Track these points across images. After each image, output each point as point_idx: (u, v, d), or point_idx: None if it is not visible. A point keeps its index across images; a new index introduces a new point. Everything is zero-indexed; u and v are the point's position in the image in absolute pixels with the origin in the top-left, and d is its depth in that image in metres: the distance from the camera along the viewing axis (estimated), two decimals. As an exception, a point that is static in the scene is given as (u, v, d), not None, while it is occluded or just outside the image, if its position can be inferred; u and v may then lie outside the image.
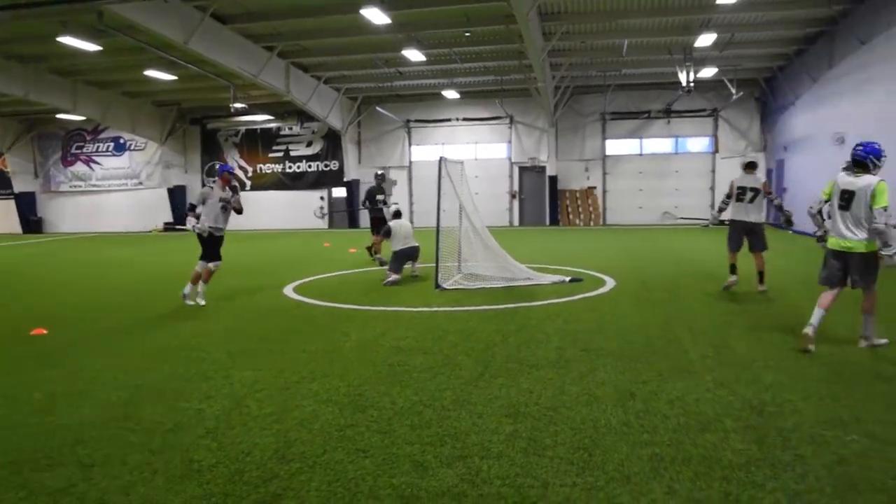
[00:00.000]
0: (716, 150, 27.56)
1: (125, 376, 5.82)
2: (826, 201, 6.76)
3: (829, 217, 6.81)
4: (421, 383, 5.44)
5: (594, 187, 28.75)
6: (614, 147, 28.63)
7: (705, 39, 19.38)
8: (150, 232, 31.63)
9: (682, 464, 3.78)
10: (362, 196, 15.80)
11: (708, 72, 23.04)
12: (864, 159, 6.52)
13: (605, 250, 16.75)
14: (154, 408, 4.94)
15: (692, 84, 22.01)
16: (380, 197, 15.18)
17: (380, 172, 16.26)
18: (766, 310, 8.42)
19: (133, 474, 3.79)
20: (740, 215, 9.73)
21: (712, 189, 27.24)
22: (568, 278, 11.25)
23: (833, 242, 6.57)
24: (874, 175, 6.39)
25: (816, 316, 6.40)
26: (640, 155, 28.44)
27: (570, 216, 28.70)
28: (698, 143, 28.06)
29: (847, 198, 6.42)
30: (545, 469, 3.75)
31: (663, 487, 3.49)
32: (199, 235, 9.69)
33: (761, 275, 9.85)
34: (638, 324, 7.65)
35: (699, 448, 3.99)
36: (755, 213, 9.71)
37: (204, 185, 31.40)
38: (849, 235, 6.39)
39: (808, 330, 6.28)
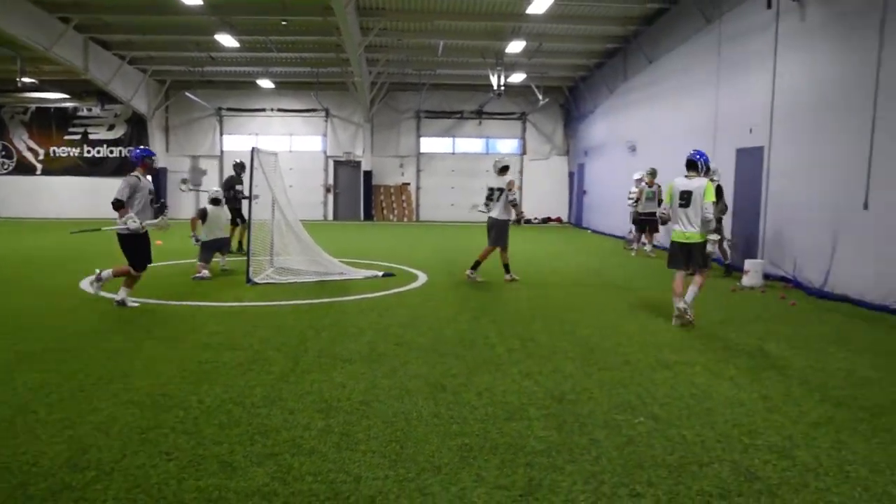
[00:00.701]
0: (524, 152, 28.99)
1: None
2: (669, 204, 8.00)
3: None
4: (230, 380, 5.28)
5: (408, 184, 29.22)
6: (428, 145, 29.27)
7: (515, 46, 20.35)
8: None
9: (489, 452, 3.96)
10: (199, 185, 14.60)
11: (517, 77, 24.21)
12: (697, 160, 7.89)
13: (418, 246, 17.11)
14: (-80, 416, 4.41)
15: (503, 88, 22.98)
16: (238, 187, 14.50)
17: (238, 161, 15.04)
18: (569, 303, 9.00)
19: None
20: (490, 213, 10.88)
21: (520, 188, 28.67)
22: (381, 273, 11.38)
23: (678, 235, 7.83)
24: (702, 177, 7.81)
25: (678, 301, 7.67)
26: (453, 154, 29.28)
27: (385, 212, 28.97)
28: (508, 145, 29.37)
29: (686, 197, 7.72)
30: (358, 463, 3.78)
31: (472, 476, 3.64)
32: (129, 237, 8.14)
33: (506, 267, 10.99)
34: (449, 318, 7.90)
35: (505, 436, 4.20)
36: (496, 211, 10.77)
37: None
38: (690, 229, 7.71)
39: (681, 305, 7.62)
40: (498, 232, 10.78)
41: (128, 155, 28.57)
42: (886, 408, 4.86)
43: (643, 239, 16.11)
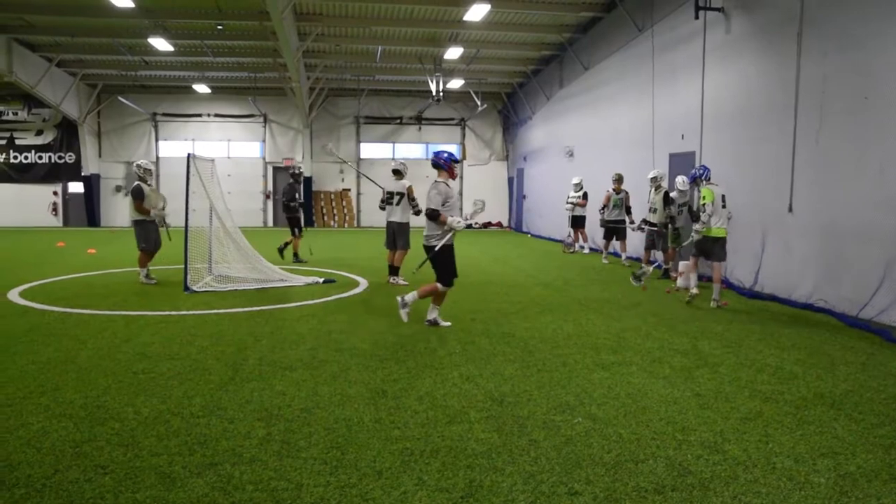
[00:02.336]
0: (463, 158, 29.19)
1: None
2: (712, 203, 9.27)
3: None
4: (168, 391, 5.18)
5: (349, 189, 29.10)
6: (368, 150, 29.21)
7: (453, 53, 20.53)
8: None
9: (430, 456, 3.99)
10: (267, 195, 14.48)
11: (456, 83, 24.39)
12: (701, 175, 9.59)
13: (359, 252, 17.05)
14: None
15: (441, 94, 23.12)
16: (297, 196, 14.57)
17: (296, 170, 15.10)
18: (508, 307, 9.11)
19: None
20: (390, 216, 11.28)
21: (460, 194, 28.85)
22: (321, 279, 11.31)
23: (717, 231, 9.26)
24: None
25: (692, 279, 9.57)
26: (394, 159, 29.25)
27: (325, 217, 28.78)
28: (446, 150, 29.50)
29: (724, 200, 9.31)
30: (299, 471, 3.76)
31: (413, 480, 3.67)
32: (443, 250, 7.86)
33: (397, 269, 11.24)
34: (390, 323, 7.90)
35: (446, 440, 4.24)
36: (399, 214, 11.18)
37: None
38: (725, 226, 9.33)
39: (694, 290, 9.48)
40: (406, 235, 11.17)
41: (58, 161, 27.74)
42: (810, 401, 5.09)
43: (611, 248, 15.37)
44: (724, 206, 9.36)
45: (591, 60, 18.39)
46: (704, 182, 9.46)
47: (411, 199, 11.22)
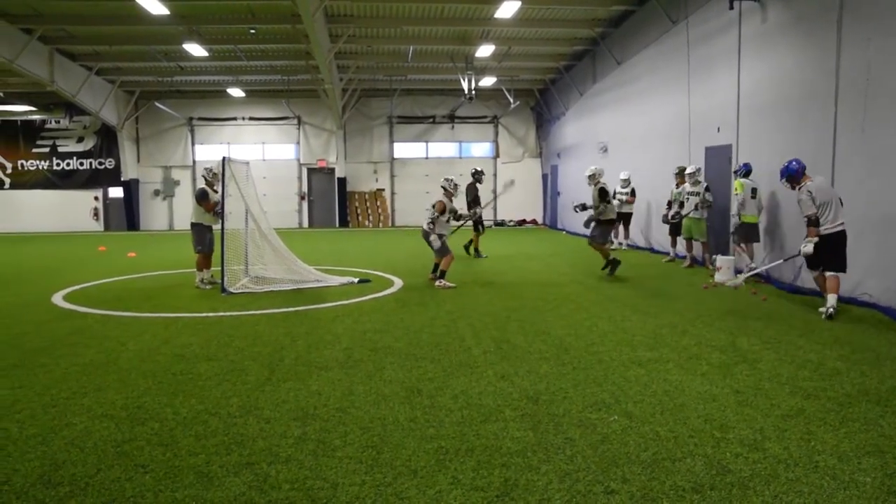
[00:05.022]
0: (497, 155, 29.12)
1: None
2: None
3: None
4: (206, 391, 5.26)
5: (383, 189, 29.21)
6: (402, 150, 29.29)
7: (485, 50, 20.46)
8: None
9: (465, 454, 3.99)
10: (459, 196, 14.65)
11: (488, 81, 24.31)
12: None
13: (394, 251, 17.10)
14: None
15: (474, 92, 23.06)
16: (481, 195, 14.90)
17: (478, 169, 15.59)
18: (543, 304, 9.06)
19: None
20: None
21: (494, 192, 28.79)
22: (356, 279, 11.37)
23: (751, 218, 10.85)
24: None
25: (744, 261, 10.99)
26: (427, 158, 29.33)
27: (360, 218, 28.93)
28: (480, 148, 29.49)
29: (754, 192, 10.83)
30: (334, 470, 3.79)
31: (448, 478, 3.67)
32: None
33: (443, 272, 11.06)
34: (425, 322, 7.92)
35: (481, 438, 4.23)
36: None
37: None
38: (756, 213, 10.91)
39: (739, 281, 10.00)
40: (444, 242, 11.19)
41: (99, 167, 28.30)
42: (854, 397, 4.97)
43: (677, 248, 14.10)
44: (753, 198, 10.91)
45: (623, 55, 18.20)
46: (738, 176, 11.01)
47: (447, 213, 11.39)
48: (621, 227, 16.82)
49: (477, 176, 15.52)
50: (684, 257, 13.25)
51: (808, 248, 8.12)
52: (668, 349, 6.51)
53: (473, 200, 15.21)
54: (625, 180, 16.53)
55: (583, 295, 9.91)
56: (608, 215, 11.77)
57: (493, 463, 3.86)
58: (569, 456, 3.95)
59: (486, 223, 15.38)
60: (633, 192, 16.47)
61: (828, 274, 8.18)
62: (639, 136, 17.25)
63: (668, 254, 14.21)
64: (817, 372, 5.67)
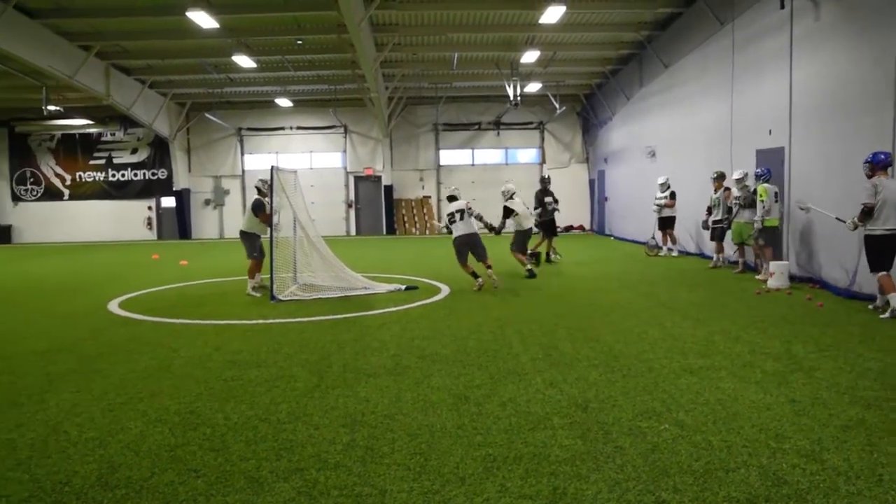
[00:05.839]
0: (543, 161, 28.98)
1: (-81, 407, 5.25)
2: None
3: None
4: (256, 397, 5.33)
5: (429, 196, 29.31)
6: (447, 157, 29.36)
7: (530, 56, 20.41)
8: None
9: (513, 462, 3.95)
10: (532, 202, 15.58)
11: (533, 87, 24.24)
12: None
13: (440, 258, 17.12)
14: (-45, 440, 4.50)
15: (519, 98, 23.00)
16: (548, 199, 15.07)
17: (545, 176, 16.24)
18: (592, 311, 8.97)
19: (-69, 515, 3.44)
20: (457, 232, 11.59)
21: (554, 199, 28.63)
22: (404, 286, 11.41)
23: (772, 222, 11.26)
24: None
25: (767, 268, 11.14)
26: (473, 165, 29.35)
27: (407, 225, 29.06)
28: (526, 154, 29.40)
29: (777, 196, 11.28)
30: (383, 476, 3.79)
31: (496, 486, 3.64)
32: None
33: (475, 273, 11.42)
34: (472, 329, 7.90)
35: (529, 446, 4.20)
36: (464, 228, 11.55)
37: (16, 195, 28.90)
38: (777, 216, 11.34)
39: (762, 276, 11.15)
40: (480, 243, 11.55)
41: (152, 177, 28.99)
42: (917, 408, 4.79)
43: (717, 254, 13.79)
44: (776, 201, 11.34)
45: (671, 58, 17.96)
46: (761, 181, 11.41)
47: (474, 214, 11.83)
48: (667, 233, 16.55)
49: (544, 182, 15.78)
50: (735, 263, 12.99)
51: (850, 225, 8.56)
52: (720, 357, 6.37)
53: (539, 206, 15.32)
54: (662, 184, 16.31)
55: (632, 301, 9.78)
56: (523, 226, 12.95)
57: (542, 471, 3.82)
58: (619, 465, 3.88)
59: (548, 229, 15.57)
60: (672, 196, 16.22)
61: (880, 274, 8.13)
62: (687, 139, 16.98)
63: (715, 259, 13.95)
64: (878, 381, 5.47)
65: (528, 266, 12.71)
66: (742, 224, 12.25)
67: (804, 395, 5.13)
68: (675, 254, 16.30)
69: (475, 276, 11.26)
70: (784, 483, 3.59)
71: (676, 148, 17.70)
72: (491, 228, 12.53)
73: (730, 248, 13.49)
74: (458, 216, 11.56)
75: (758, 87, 13.01)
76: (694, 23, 16.23)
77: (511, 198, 13.31)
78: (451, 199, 12.08)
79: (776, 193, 11.39)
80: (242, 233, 11.40)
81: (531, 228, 13.14)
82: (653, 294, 10.46)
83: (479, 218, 11.86)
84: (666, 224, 16.46)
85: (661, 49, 18.59)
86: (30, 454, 4.21)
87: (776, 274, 10.68)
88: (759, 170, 11.73)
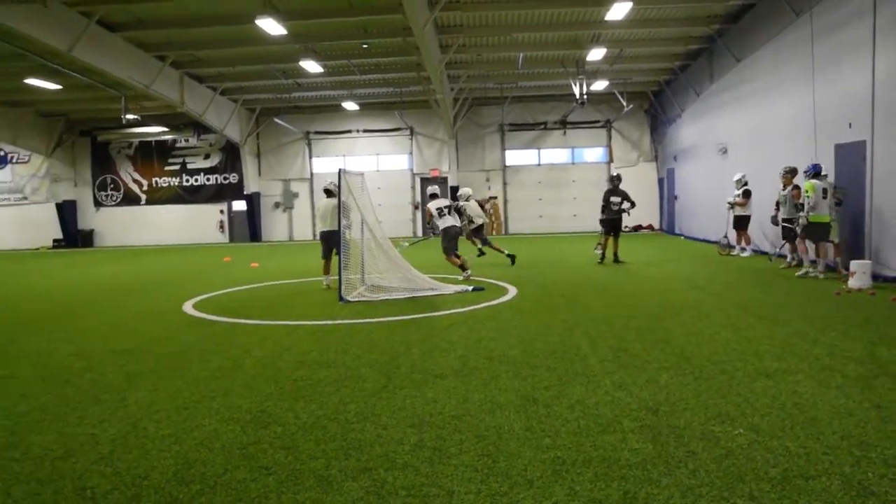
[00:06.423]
0: (610, 160, 28.58)
1: (10, 403, 5.50)
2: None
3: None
4: (325, 397, 5.39)
5: (495, 197, 29.26)
6: (513, 157, 29.26)
7: (596, 54, 20.14)
8: (38, 249, 29.98)
9: (582, 465, 3.89)
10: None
11: (600, 85, 23.93)
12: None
13: (506, 259, 17.04)
14: (42, 435, 4.69)
15: (585, 96, 22.75)
16: (614, 199, 15.20)
17: (614, 173, 16.37)
18: (662, 312, 8.78)
19: (19, 506, 3.60)
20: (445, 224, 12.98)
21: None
22: (471, 287, 11.40)
23: (821, 218, 11.19)
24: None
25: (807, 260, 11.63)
26: (539, 165, 29.19)
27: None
28: (593, 154, 29.05)
29: (825, 193, 11.22)
30: (450, 477, 3.79)
31: (565, 489, 3.59)
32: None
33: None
34: (539, 330, 7.83)
35: (599, 449, 4.13)
36: (455, 220, 13.19)
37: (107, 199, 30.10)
38: (827, 212, 11.33)
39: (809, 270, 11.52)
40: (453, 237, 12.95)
41: (223, 182, 29.78)
42: None
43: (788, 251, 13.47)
44: (824, 198, 11.32)
45: (743, 51, 17.45)
46: (808, 177, 11.44)
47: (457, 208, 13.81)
48: (740, 233, 16.03)
49: (613, 181, 15.61)
50: (814, 262, 12.51)
51: None
52: (797, 359, 6.14)
53: (604, 204, 15.25)
54: (738, 181, 15.81)
55: (704, 302, 9.53)
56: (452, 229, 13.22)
57: (612, 475, 3.75)
58: (691, 470, 3.78)
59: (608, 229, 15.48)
60: (745, 194, 15.69)
61: None
62: (760, 135, 16.47)
63: (784, 256, 13.50)
64: (970, 385, 5.19)
65: (465, 270, 12.88)
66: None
67: (891, 400, 4.88)
68: (745, 254, 15.79)
69: (464, 268, 12.64)
70: (870, 494, 3.43)
71: (750, 144, 17.18)
72: (470, 222, 14.80)
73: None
74: (446, 210, 12.94)
75: (837, 80, 12.51)
76: (767, 14, 15.74)
77: (467, 200, 15.80)
78: (433, 196, 13.29)
79: (824, 190, 11.39)
80: (328, 233, 11.69)
81: (459, 231, 13.37)
82: (725, 294, 10.18)
83: (462, 213, 13.80)
84: (739, 223, 15.97)
85: (733, 43, 18.08)
86: (111, 449, 4.37)
87: (857, 273, 10.24)
88: (807, 167, 11.73)
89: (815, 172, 11.54)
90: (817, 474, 3.66)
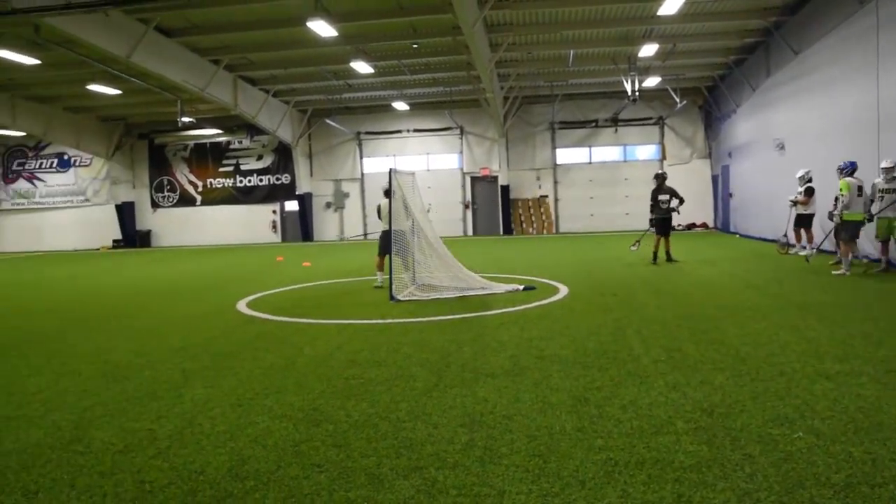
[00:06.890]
0: (663, 158, 28.13)
1: (73, 398, 5.67)
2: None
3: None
4: (376, 396, 5.42)
5: (546, 196, 29.08)
6: (564, 156, 29.03)
7: (648, 50, 19.84)
8: (99, 250, 30.93)
9: (635, 467, 3.83)
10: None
11: (652, 81, 23.57)
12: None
13: (558, 258, 16.94)
14: (104, 429, 4.83)
15: (637, 93, 22.43)
16: (662, 198, 15.17)
17: (659, 171, 16.43)
18: (717, 312, 8.59)
19: (81, 499, 3.70)
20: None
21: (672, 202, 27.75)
22: (522, 286, 11.33)
23: (856, 216, 11.25)
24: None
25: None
26: (590, 163, 28.89)
27: (524, 225, 28.95)
28: (646, 151, 28.64)
29: (860, 190, 11.25)
30: (501, 477, 3.76)
31: (617, 492, 3.53)
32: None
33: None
34: (591, 330, 7.74)
35: (652, 451, 4.05)
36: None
37: (154, 201, 30.87)
38: (861, 210, 11.29)
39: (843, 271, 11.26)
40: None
41: (276, 182, 30.29)
42: None
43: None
44: (859, 196, 11.31)
45: (801, 44, 16.96)
46: (844, 175, 11.40)
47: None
48: (802, 233, 15.47)
49: (658, 179, 15.40)
50: (878, 260, 12.08)
51: None
52: (860, 361, 5.93)
53: (653, 203, 15.11)
54: (801, 177, 15.26)
55: (761, 301, 9.30)
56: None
57: (665, 477, 3.68)
58: (748, 474, 3.68)
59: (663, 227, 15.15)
60: (807, 192, 15.09)
61: None
62: (820, 130, 15.97)
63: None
64: None
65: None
66: (889, 219, 11.27)
67: (960, 404, 4.69)
68: (805, 251, 15.20)
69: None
70: (939, 500, 3.29)
71: (811, 140, 16.66)
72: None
73: (870, 245, 12.59)
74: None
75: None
76: (828, 4, 15.27)
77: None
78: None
79: (860, 188, 11.38)
80: (386, 232, 11.70)
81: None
82: (783, 294, 9.91)
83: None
84: (801, 222, 15.43)
85: (791, 35, 17.60)
86: (168, 444, 4.47)
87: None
88: (843, 165, 11.75)
89: (852, 170, 11.55)
90: (884, 482, 3.52)
